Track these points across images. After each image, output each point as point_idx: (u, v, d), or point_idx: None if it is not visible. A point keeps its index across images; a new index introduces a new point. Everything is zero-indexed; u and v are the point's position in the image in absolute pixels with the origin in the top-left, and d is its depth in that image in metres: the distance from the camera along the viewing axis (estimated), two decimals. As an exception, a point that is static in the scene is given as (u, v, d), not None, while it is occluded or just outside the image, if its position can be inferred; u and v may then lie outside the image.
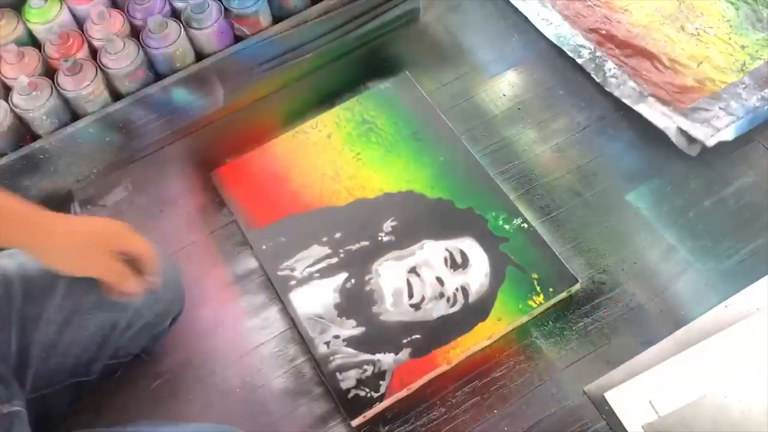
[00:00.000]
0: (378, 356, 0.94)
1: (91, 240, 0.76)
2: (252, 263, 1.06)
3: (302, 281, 1.01)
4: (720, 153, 1.08)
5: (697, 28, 1.20)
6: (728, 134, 1.07)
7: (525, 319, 0.96)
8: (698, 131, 1.07)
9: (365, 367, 0.94)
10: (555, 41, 1.21)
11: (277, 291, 1.02)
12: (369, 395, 0.92)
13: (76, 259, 0.76)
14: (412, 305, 0.98)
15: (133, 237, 0.80)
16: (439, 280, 0.99)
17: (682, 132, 1.08)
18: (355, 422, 0.91)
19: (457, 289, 0.98)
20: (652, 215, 1.04)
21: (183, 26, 1.09)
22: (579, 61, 1.18)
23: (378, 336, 0.96)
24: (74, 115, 1.08)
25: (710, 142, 1.06)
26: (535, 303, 0.96)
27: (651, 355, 0.92)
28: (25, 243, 0.74)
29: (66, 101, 1.06)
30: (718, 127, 1.08)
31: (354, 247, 1.03)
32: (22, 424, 0.74)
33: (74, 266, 0.77)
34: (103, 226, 0.79)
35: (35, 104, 1.03)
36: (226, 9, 1.11)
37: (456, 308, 0.97)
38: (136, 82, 1.09)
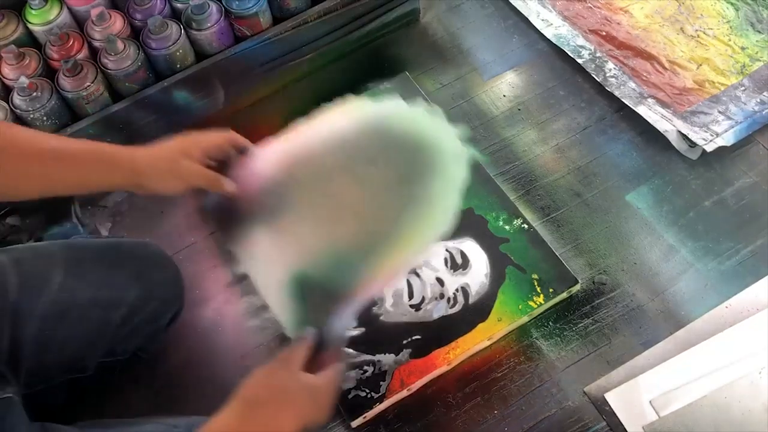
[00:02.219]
0: (378, 357, 0.94)
1: (171, 156, 0.80)
2: (252, 264, 1.06)
3: (302, 282, 1.01)
4: (720, 154, 1.08)
5: (696, 30, 1.20)
6: (727, 140, 1.07)
7: (525, 319, 0.96)
8: (697, 136, 1.07)
9: (365, 367, 0.94)
10: (555, 42, 1.21)
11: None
12: (369, 396, 0.92)
13: (169, 180, 0.80)
14: (412, 306, 0.98)
15: (206, 134, 0.84)
16: (440, 281, 0.99)
17: (683, 136, 1.08)
18: (355, 423, 0.91)
19: (457, 290, 0.98)
20: (653, 215, 1.04)
21: (183, 27, 1.09)
22: (579, 61, 1.18)
23: (378, 336, 0.96)
24: (74, 116, 1.08)
25: (709, 148, 1.06)
26: (536, 303, 0.96)
27: (651, 356, 0.92)
28: (123, 184, 0.79)
29: (66, 102, 1.06)
30: (717, 132, 1.08)
31: (354, 248, 1.03)
32: (17, 411, 0.73)
33: (170, 186, 0.80)
34: (177, 141, 0.82)
35: (35, 105, 1.03)
36: (226, 10, 1.11)
37: (456, 309, 0.97)
38: (137, 83, 1.09)
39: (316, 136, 0.88)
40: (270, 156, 0.90)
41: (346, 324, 0.78)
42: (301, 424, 0.69)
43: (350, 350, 0.95)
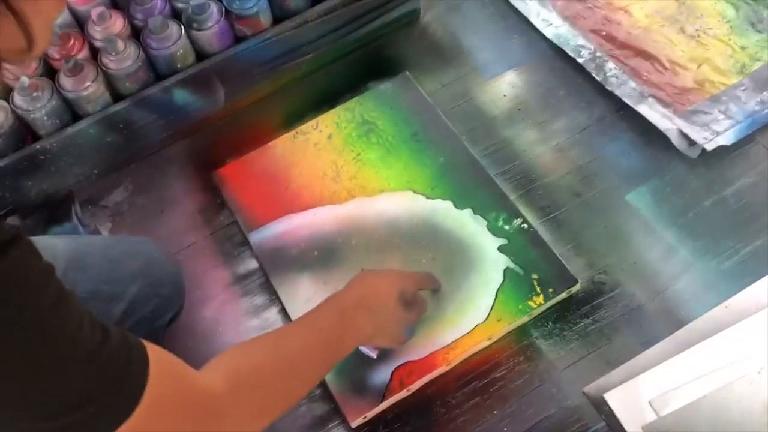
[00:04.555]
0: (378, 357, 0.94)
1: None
2: (252, 264, 1.06)
3: (302, 282, 1.03)
4: (720, 153, 1.08)
5: (696, 30, 1.20)
6: (727, 139, 1.07)
7: (525, 319, 0.96)
8: (698, 135, 1.07)
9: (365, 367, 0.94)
10: (555, 42, 1.21)
11: (277, 291, 1.02)
12: (369, 396, 0.92)
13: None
14: (412, 306, 0.99)
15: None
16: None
17: (683, 134, 1.08)
18: (354, 423, 0.91)
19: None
20: (652, 215, 1.04)
21: (184, 27, 1.09)
22: (579, 60, 1.18)
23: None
24: (75, 116, 1.08)
25: (709, 146, 1.06)
26: (535, 303, 0.96)
27: (651, 355, 0.92)
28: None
29: (67, 102, 1.06)
30: (717, 131, 1.08)
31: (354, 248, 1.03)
32: None
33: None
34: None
35: (36, 105, 1.03)
36: (226, 10, 1.11)
37: (456, 309, 0.98)
38: (137, 82, 1.09)
39: (372, 211, 1.06)
40: (327, 214, 1.06)
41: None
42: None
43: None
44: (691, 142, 1.07)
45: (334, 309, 0.80)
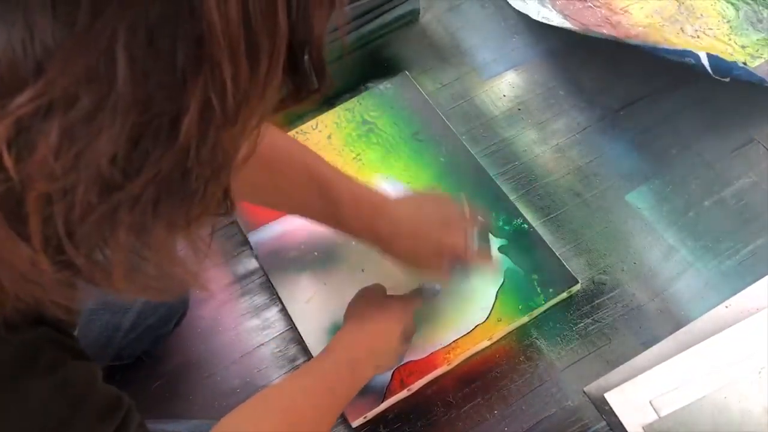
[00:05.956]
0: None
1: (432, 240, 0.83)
2: (252, 264, 1.06)
3: (302, 282, 1.02)
4: (720, 153, 1.08)
5: (696, 30, 1.20)
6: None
7: (525, 319, 0.96)
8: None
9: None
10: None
11: (277, 291, 1.02)
12: (369, 396, 0.92)
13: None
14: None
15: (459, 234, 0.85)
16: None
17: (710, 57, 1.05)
18: (355, 423, 0.91)
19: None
20: (652, 215, 1.04)
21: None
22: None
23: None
24: (75, 116, 1.08)
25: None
26: (535, 304, 0.96)
27: (651, 355, 0.92)
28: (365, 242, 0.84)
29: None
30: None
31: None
32: None
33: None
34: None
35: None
36: (226, 10, 1.11)
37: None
38: (137, 82, 1.08)
39: None
40: None
41: None
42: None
43: None
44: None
45: (343, 363, 0.81)
